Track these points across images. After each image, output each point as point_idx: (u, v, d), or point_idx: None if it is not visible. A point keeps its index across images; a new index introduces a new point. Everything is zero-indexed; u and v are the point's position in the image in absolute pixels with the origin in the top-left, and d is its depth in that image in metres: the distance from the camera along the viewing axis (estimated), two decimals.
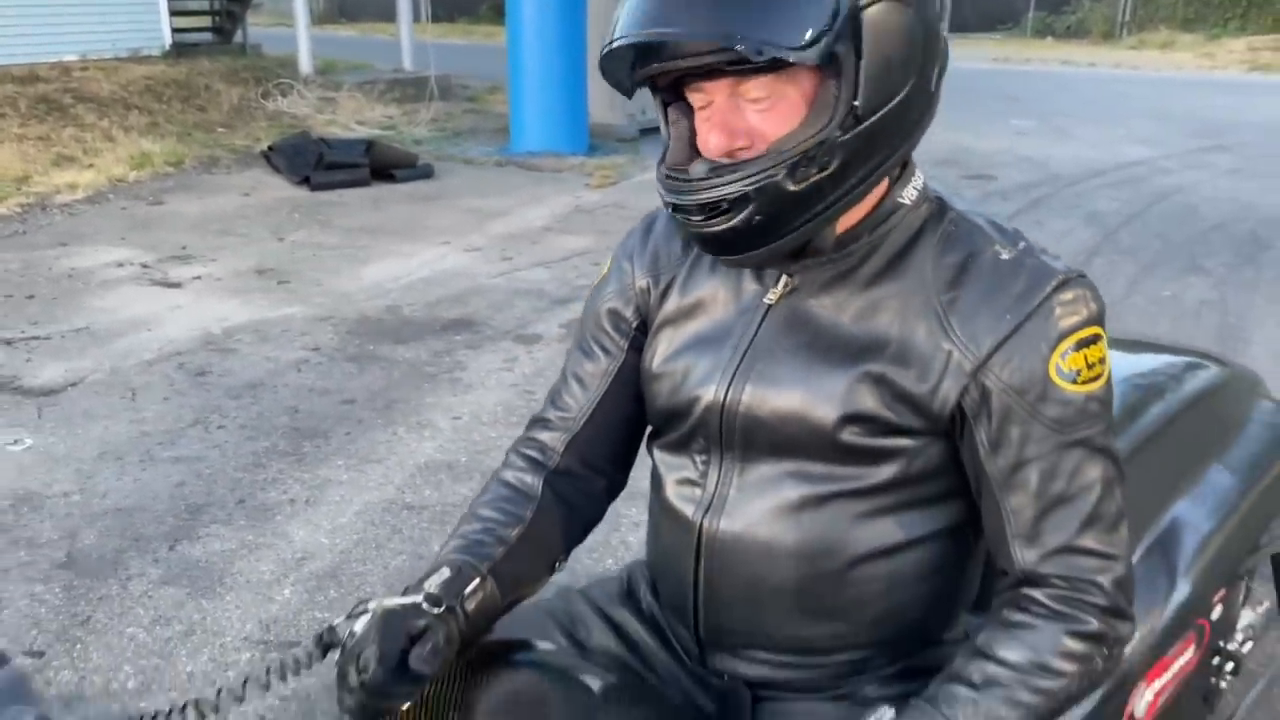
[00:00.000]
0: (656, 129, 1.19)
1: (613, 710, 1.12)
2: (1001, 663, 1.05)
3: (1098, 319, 1.06)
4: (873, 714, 1.06)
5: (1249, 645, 2.02)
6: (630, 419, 1.29)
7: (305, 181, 7.92)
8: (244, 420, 3.88)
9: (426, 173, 8.39)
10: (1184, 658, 1.69)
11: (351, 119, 10.47)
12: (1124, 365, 1.97)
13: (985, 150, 9.55)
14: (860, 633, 1.17)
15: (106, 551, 3.02)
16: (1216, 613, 1.76)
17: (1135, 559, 1.57)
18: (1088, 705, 1.44)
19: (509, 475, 1.28)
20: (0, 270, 5.78)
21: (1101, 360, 1.06)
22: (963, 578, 1.20)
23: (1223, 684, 1.95)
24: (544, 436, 1.30)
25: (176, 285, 5.62)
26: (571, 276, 5.82)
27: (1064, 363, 1.02)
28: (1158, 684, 1.63)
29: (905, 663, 1.20)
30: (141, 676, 2.48)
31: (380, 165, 8.16)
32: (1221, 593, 1.75)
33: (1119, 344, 2.06)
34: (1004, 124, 11.31)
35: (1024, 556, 1.06)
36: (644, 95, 1.15)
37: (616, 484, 1.33)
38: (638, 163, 9.03)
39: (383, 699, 1.00)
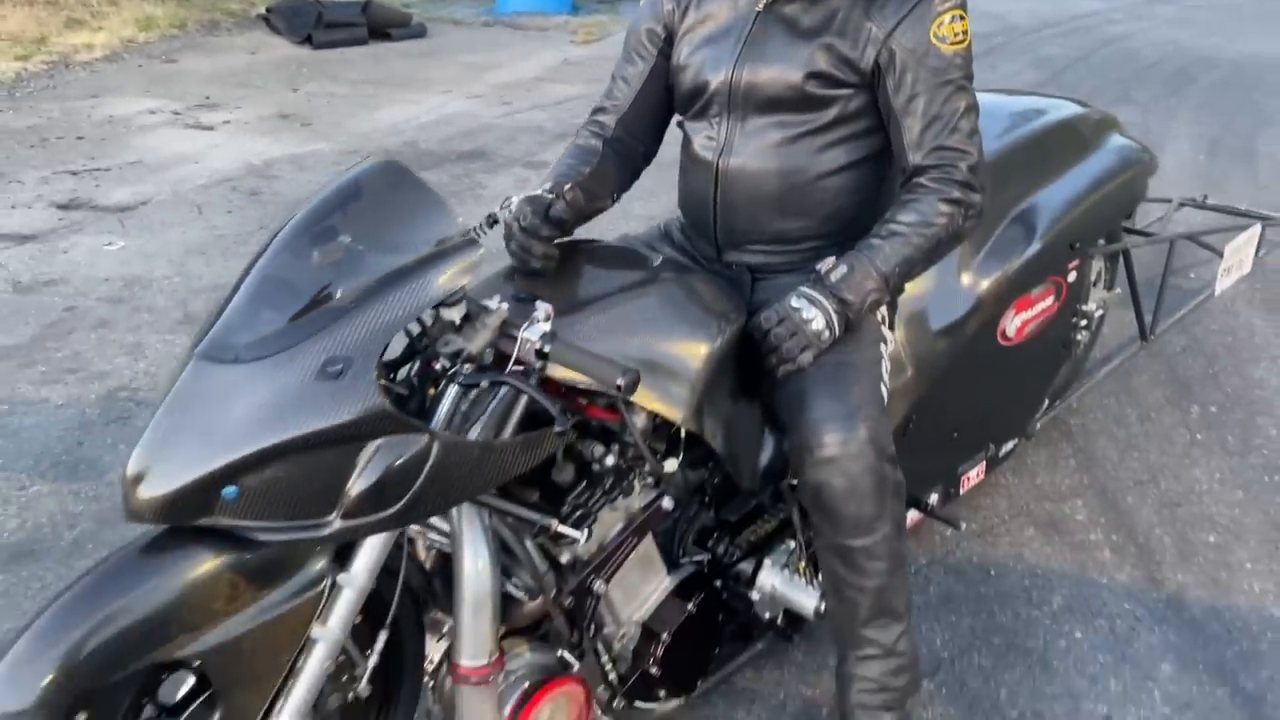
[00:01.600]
0: None
1: (668, 269, 1.83)
2: (899, 222, 1.77)
3: (962, 4, 1.74)
4: (821, 261, 1.78)
5: (1100, 313, 2.78)
6: (661, 104, 1.98)
7: (307, 40, 8.39)
8: None
9: (420, 32, 8.86)
10: (1045, 302, 2.43)
11: None
12: (1014, 102, 2.67)
13: None
14: (820, 226, 1.88)
15: None
16: (1071, 277, 2.49)
17: (1004, 225, 2.30)
18: (974, 322, 2.18)
19: (580, 140, 1.97)
20: (44, 118, 6.31)
21: (965, 31, 1.75)
22: (880, 191, 1.90)
23: (1078, 336, 2.72)
24: (601, 117, 1.99)
25: (210, 128, 6.18)
26: (566, 117, 6.42)
27: (940, 30, 1.71)
28: (1025, 314, 2.38)
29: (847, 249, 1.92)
30: None
31: (376, 24, 8.62)
32: (1075, 263, 2.49)
33: (1015, 93, 2.76)
34: None
35: (913, 156, 1.77)
36: None
37: (650, 151, 2.03)
38: (619, 20, 9.52)
39: (535, 237, 1.71)
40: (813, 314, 1.69)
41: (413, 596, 1.64)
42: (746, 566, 1.90)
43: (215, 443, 1.30)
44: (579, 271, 1.80)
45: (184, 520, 1.33)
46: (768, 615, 1.96)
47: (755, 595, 1.90)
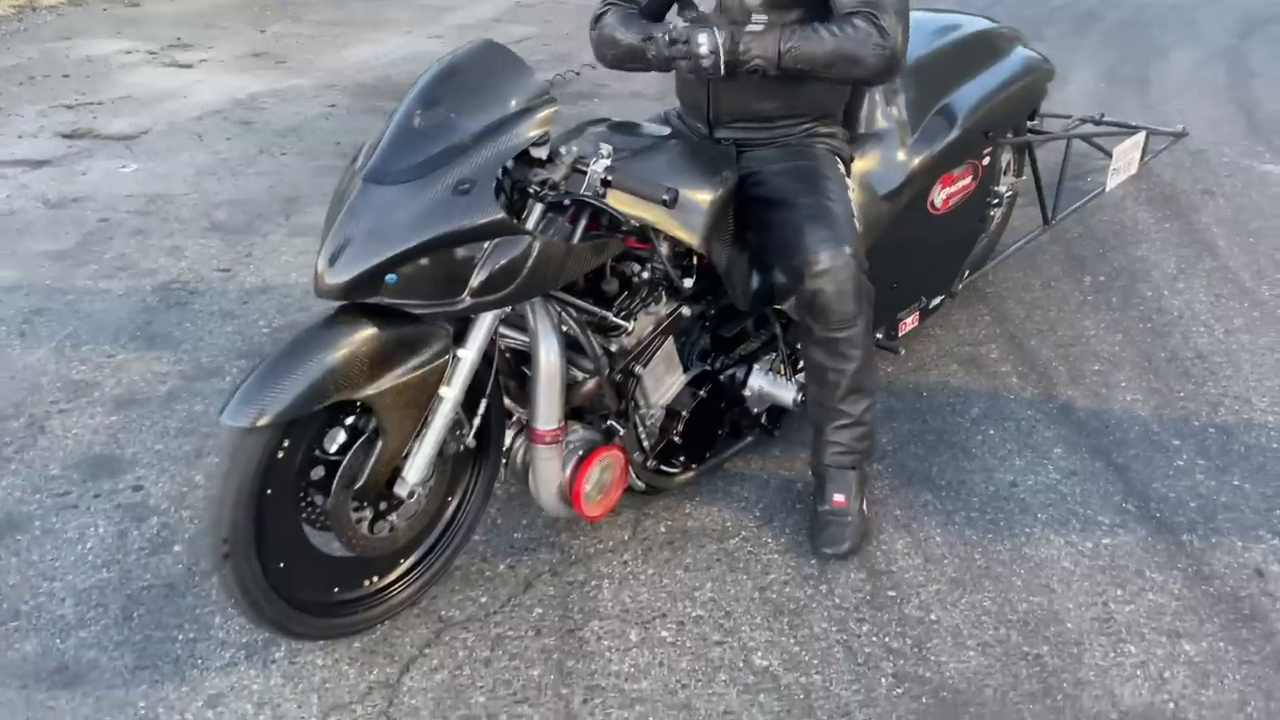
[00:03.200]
0: None
1: (672, 140, 2.36)
2: (821, 26, 2.28)
3: None
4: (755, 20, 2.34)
5: (1010, 194, 3.39)
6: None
7: None
8: (300, 149, 4.98)
9: None
10: (964, 181, 3.02)
11: None
12: (938, 18, 3.24)
13: None
14: (793, 108, 2.43)
15: (239, 222, 4.16)
16: (985, 161, 3.09)
17: (930, 116, 2.88)
18: (909, 191, 2.77)
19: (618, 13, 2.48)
20: (24, 58, 6.59)
21: None
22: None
23: (991, 213, 3.33)
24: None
25: (188, 66, 6.52)
26: (526, 54, 6.85)
27: None
28: (949, 189, 2.97)
29: (812, 128, 2.47)
30: (304, 277, 3.68)
31: None
32: (988, 150, 3.08)
33: (939, 11, 3.33)
34: None
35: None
36: None
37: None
38: None
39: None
40: (704, 44, 2.18)
41: (497, 383, 2.19)
42: (739, 372, 2.48)
43: (381, 241, 1.81)
44: (619, 134, 2.33)
45: (357, 298, 1.84)
46: (755, 410, 2.54)
47: (747, 393, 2.48)
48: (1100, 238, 3.99)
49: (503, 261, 1.86)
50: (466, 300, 1.87)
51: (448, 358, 1.94)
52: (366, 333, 1.85)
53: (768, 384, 2.48)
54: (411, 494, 2.00)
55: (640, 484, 2.39)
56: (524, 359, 2.23)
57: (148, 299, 3.54)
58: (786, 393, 2.47)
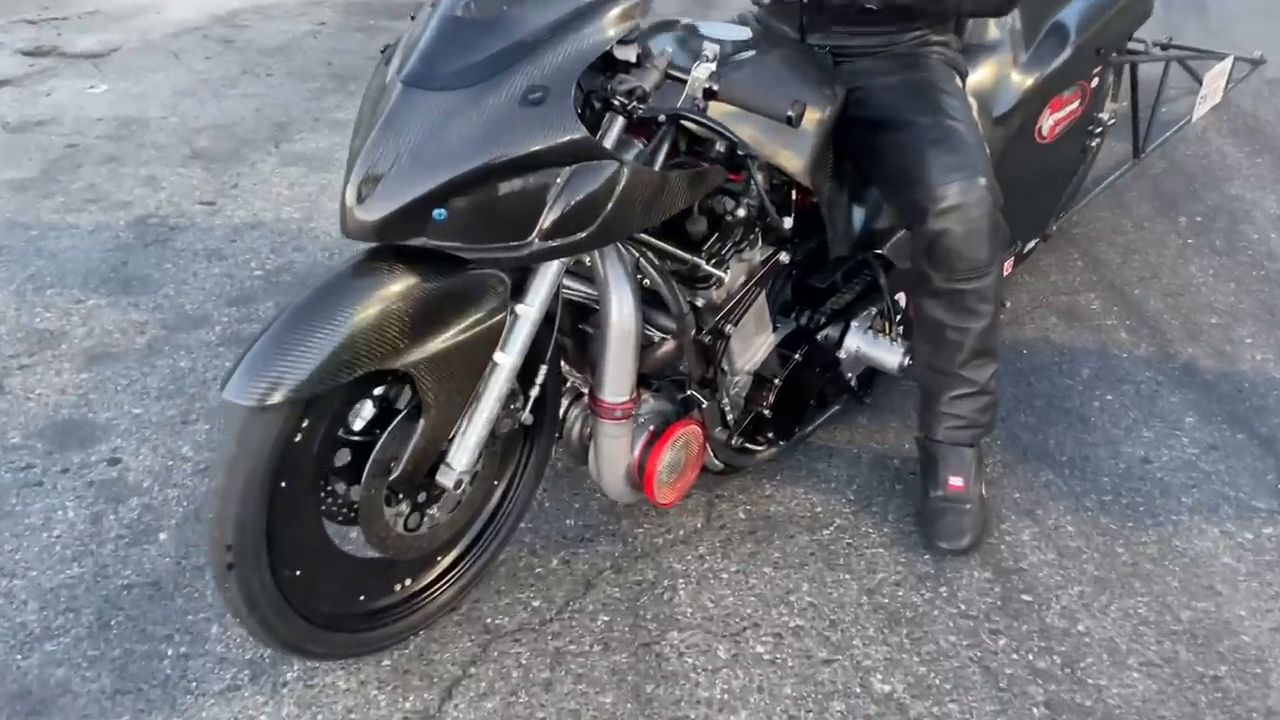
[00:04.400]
0: None
1: (767, 44, 1.94)
2: None
3: None
4: None
5: (1111, 122, 2.98)
6: None
7: None
8: (288, 70, 4.49)
9: None
10: (1073, 105, 2.61)
11: None
12: None
13: None
14: (902, 11, 2.00)
15: (223, 149, 3.70)
16: (1094, 83, 2.68)
17: (1042, 34, 2.46)
18: (1019, 116, 2.35)
19: None
20: None
21: None
22: None
23: (1093, 143, 2.92)
24: None
25: None
26: None
27: None
28: (1057, 115, 2.55)
29: (924, 35, 2.05)
30: (300, 212, 3.25)
31: None
32: (1098, 69, 2.67)
33: None
34: None
35: None
36: None
37: None
38: None
39: None
40: None
41: (556, 345, 1.78)
42: (834, 330, 2.08)
43: (428, 166, 1.40)
44: (695, 40, 1.90)
45: (397, 239, 1.43)
46: (850, 375, 2.15)
47: (842, 354, 2.08)
48: (1188, 173, 3.59)
49: (583, 194, 1.45)
50: (534, 244, 1.46)
51: (504, 315, 1.54)
52: (406, 284, 1.44)
53: (868, 344, 2.08)
54: (458, 484, 1.61)
55: (717, 463, 2.01)
56: (583, 313, 1.83)
57: (122, 235, 3.10)
58: (891, 355, 2.07)
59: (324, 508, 1.57)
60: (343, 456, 1.57)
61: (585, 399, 1.85)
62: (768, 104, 1.51)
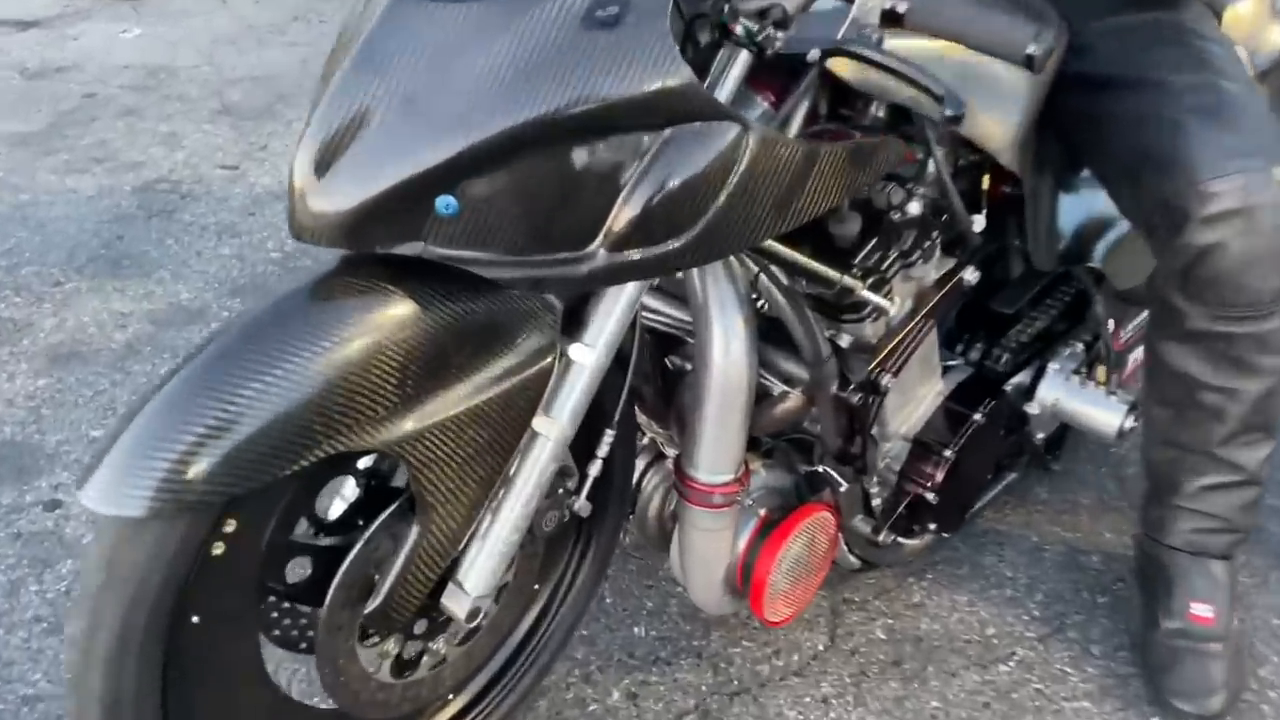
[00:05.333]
0: None
1: None
2: None
3: None
4: None
5: None
6: None
7: None
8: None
9: None
10: None
11: None
12: None
13: None
14: None
15: (257, 105, 3.20)
16: None
17: None
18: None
19: None
20: None
21: None
22: None
23: None
24: None
25: None
26: None
27: None
28: None
29: None
30: None
31: None
32: None
33: None
34: None
35: None
36: None
37: None
38: None
39: None
40: None
41: (631, 394, 1.22)
42: (1023, 375, 1.48)
43: (428, 125, 0.84)
44: None
45: (378, 245, 0.89)
46: (1040, 436, 1.54)
47: (1034, 409, 1.48)
48: None
49: (680, 177, 0.88)
50: (599, 256, 0.90)
51: (551, 361, 0.98)
52: (393, 315, 0.90)
53: (1073, 397, 1.47)
54: (473, 614, 1.06)
55: (852, 560, 1.43)
56: (668, 341, 1.27)
57: (123, 203, 2.61)
58: (1107, 414, 1.46)
59: (272, 633, 1.03)
60: (298, 569, 1.03)
61: (668, 464, 1.29)
62: (996, 35, 0.93)
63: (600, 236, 0.89)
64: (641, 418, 1.36)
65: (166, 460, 0.84)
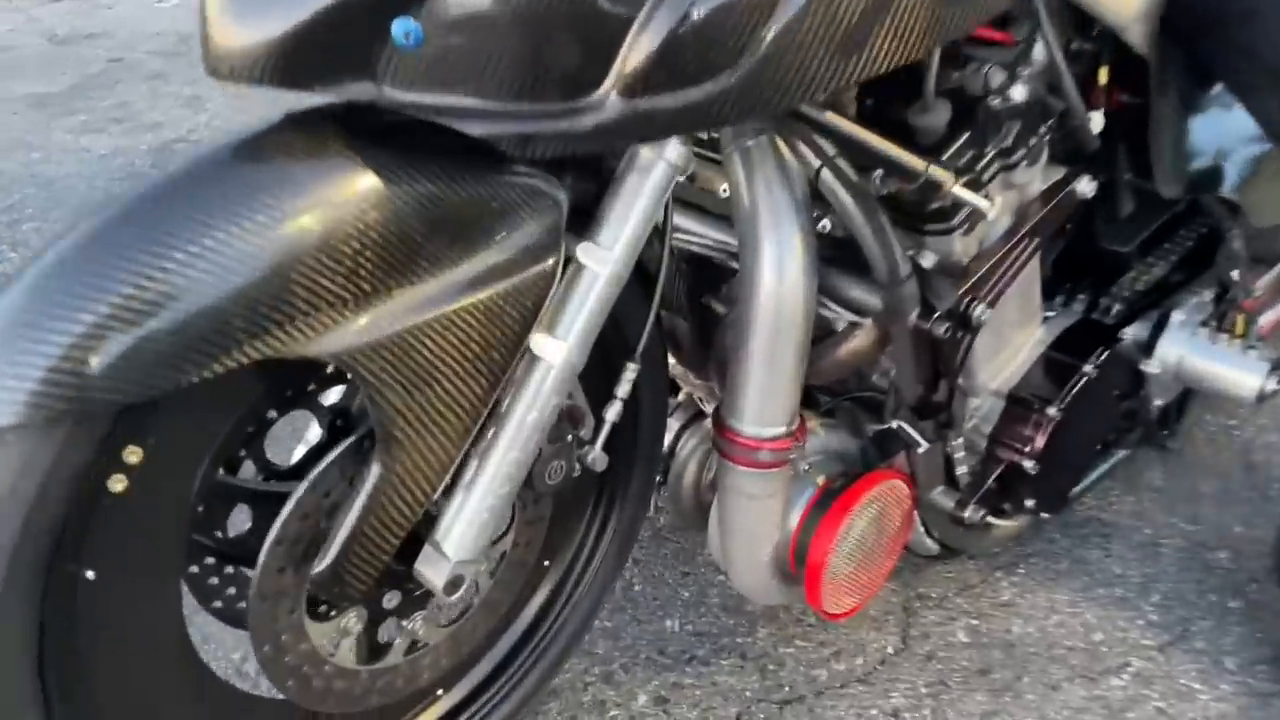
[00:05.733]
0: None
1: None
2: None
3: None
4: None
5: None
6: None
7: None
8: None
9: None
10: None
11: None
12: None
13: None
14: None
15: None
16: None
17: None
18: None
19: None
20: None
21: None
22: None
23: None
24: None
25: None
26: None
27: None
28: None
29: None
30: None
31: None
32: None
33: None
34: None
35: None
36: None
37: None
38: None
39: None
40: None
41: (659, 326, 1.00)
42: (1140, 328, 1.22)
43: None
44: None
45: (317, 84, 0.68)
46: (1158, 403, 1.28)
47: (1153, 368, 1.22)
48: None
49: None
50: (610, 104, 0.68)
51: (553, 262, 0.76)
52: (345, 185, 0.69)
53: (1200, 353, 1.21)
54: (454, 583, 0.83)
55: (930, 545, 1.19)
56: (707, 274, 1.04)
57: (138, 162, 2.46)
58: (1246, 373, 1.20)
59: (211, 603, 0.83)
60: (240, 519, 0.82)
61: (708, 424, 1.07)
62: None
63: (610, 77, 0.68)
64: (677, 370, 1.13)
65: (38, 354, 0.64)
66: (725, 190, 1.03)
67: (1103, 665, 1.16)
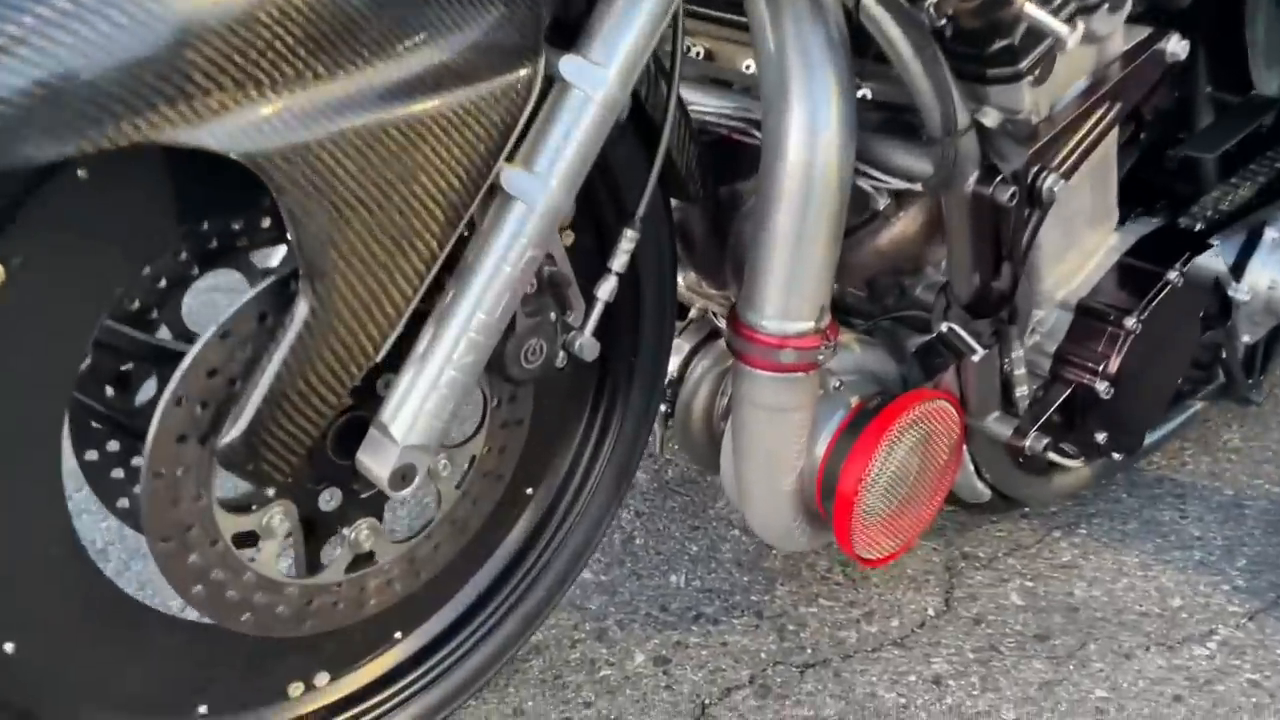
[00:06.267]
0: None
1: None
2: None
3: None
4: None
5: None
6: None
7: None
8: None
9: None
10: None
11: None
12: None
13: None
14: None
15: None
16: None
17: None
18: None
19: None
20: None
21: None
22: None
23: None
24: None
25: None
26: None
27: None
28: None
29: None
30: None
31: None
32: None
33: None
34: None
35: None
36: None
37: None
38: None
39: None
40: None
41: (666, 207, 0.85)
42: (1228, 245, 1.05)
43: None
44: None
45: None
46: (1246, 339, 1.11)
47: (1242, 294, 1.05)
48: None
49: None
50: None
51: (527, 74, 0.62)
52: None
53: None
54: (404, 474, 0.68)
55: (982, 489, 1.02)
56: (722, 156, 0.89)
57: None
58: None
59: (97, 483, 0.68)
60: (141, 377, 0.68)
61: (722, 343, 0.91)
62: None
63: None
64: (688, 277, 0.98)
65: None
66: (749, 66, 0.89)
67: (1183, 633, 0.99)
